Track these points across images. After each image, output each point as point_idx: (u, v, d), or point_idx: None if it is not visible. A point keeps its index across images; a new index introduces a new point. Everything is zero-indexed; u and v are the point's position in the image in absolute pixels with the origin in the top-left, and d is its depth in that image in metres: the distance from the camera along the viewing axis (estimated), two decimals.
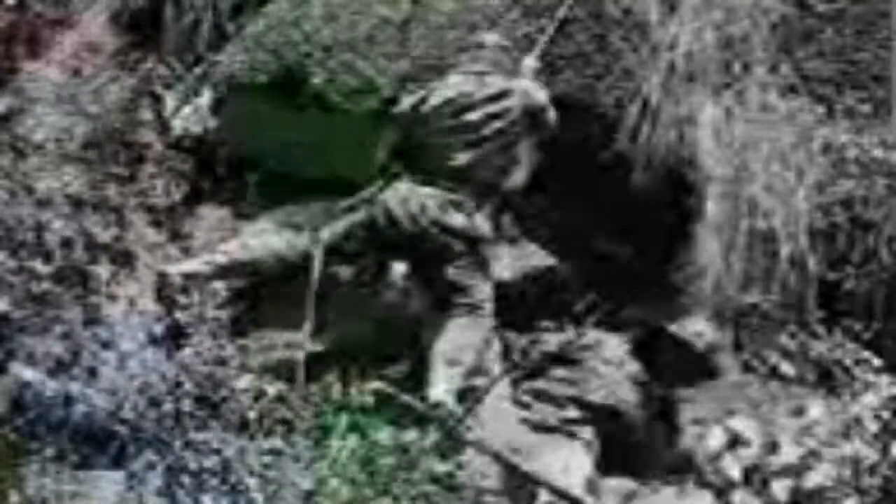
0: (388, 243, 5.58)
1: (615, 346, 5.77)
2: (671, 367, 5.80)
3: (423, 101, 5.65)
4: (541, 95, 5.70)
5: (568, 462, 5.31)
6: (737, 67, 5.97)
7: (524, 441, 5.38)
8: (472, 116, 5.56)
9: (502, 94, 5.59)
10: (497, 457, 5.09)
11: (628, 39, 6.06)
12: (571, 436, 5.47)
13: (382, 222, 5.53)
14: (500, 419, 5.39)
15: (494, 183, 5.59)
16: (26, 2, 6.46)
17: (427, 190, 5.50)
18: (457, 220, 5.48)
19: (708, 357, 5.87)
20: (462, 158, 5.52)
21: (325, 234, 5.68)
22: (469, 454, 5.07)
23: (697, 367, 5.84)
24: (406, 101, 5.74)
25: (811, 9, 6.11)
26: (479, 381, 5.39)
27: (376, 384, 5.22)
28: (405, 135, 5.67)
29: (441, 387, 5.27)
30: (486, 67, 5.70)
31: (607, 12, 6.10)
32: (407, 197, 5.51)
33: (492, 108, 5.57)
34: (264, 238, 5.80)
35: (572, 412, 5.55)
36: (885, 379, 5.23)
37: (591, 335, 5.78)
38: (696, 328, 5.86)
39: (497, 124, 5.55)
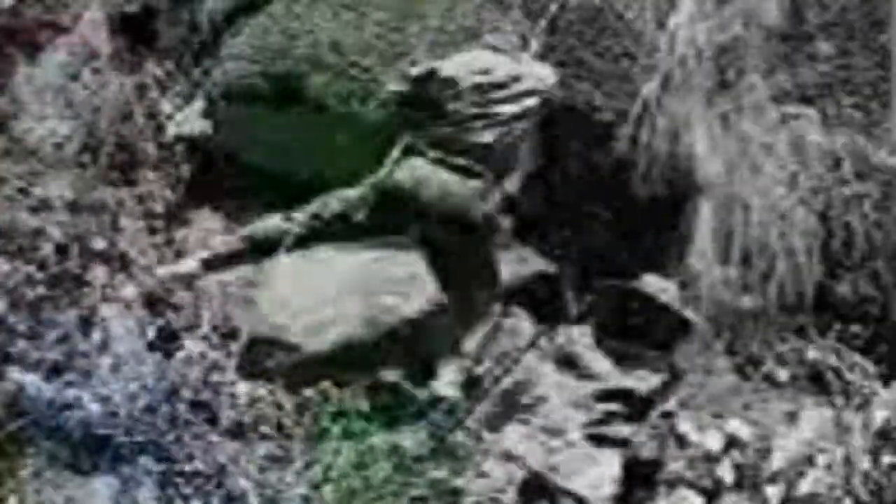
0: (398, 223, 5.51)
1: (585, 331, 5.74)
2: (648, 326, 5.77)
3: (434, 72, 5.52)
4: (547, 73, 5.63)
5: (596, 470, 5.23)
6: (732, 73, 5.99)
7: (552, 451, 5.33)
8: (496, 95, 5.47)
9: (518, 75, 5.51)
10: (515, 463, 5.05)
11: (625, 46, 6.07)
12: (602, 439, 5.39)
13: (393, 200, 5.47)
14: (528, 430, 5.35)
15: (511, 162, 5.50)
16: (22, 4, 6.46)
17: (446, 175, 5.42)
18: (475, 204, 5.39)
19: (678, 311, 5.82)
20: (482, 135, 5.43)
21: (316, 206, 5.60)
22: (489, 464, 5.04)
23: (672, 323, 5.80)
24: (418, 68, 5.63)
25: (806, 15, 6.13)
26: (484, 370, 5.36)
27: (374, 380, 5.23)
28: (418, 99, 5.54)
29: (445, 379, 5.25)
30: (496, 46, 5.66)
31: (604, 19, 6.11)
32: (425, 178, 5.43)
33: (516, 87, 5.48)
34: (257, 226, 5.79)
35: (604, 406, 5.48)
36: (879, 385, 5.26)
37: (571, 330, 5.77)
38: (660, 285, 5.83)
39: (516, 106, 5.44)
